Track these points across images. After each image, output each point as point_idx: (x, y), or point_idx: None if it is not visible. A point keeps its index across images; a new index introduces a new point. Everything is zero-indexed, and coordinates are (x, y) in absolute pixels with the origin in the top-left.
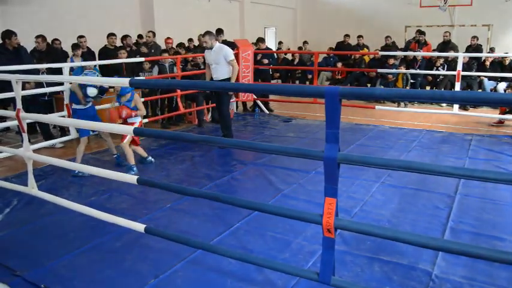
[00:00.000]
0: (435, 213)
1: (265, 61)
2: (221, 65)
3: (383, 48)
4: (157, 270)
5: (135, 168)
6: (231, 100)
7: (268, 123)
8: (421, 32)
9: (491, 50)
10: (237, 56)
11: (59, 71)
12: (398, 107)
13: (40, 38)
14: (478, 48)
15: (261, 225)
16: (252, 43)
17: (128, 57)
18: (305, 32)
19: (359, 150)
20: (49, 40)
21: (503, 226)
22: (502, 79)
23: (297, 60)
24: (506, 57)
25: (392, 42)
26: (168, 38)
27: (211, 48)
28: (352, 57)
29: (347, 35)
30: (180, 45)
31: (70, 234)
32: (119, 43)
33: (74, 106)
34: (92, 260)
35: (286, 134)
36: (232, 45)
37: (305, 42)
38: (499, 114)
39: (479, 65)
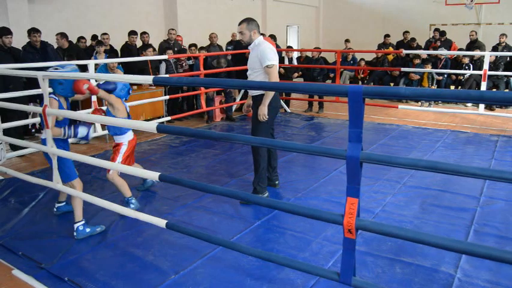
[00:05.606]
0: (459, 215)
1: None
2: None
3: (399, 44)
4: (177, 266)
5: (133, 201)
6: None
7: (289, 121)
8: (440, 32)
9: None
10: None
11: (82, 69)
12: (421, 106)
13: (59, 35)
14: (507, 47)
15: (282, 224)
16: None
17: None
18: (328, 30)
19: (382, 149)
20: (72, 38)
21: None
22: None
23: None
24: None
25: (411, 38)
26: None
27: None
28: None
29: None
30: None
31: None
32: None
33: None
34: (114, 255)
35: (308, 133)
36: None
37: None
38: None
39: (507, 64)
